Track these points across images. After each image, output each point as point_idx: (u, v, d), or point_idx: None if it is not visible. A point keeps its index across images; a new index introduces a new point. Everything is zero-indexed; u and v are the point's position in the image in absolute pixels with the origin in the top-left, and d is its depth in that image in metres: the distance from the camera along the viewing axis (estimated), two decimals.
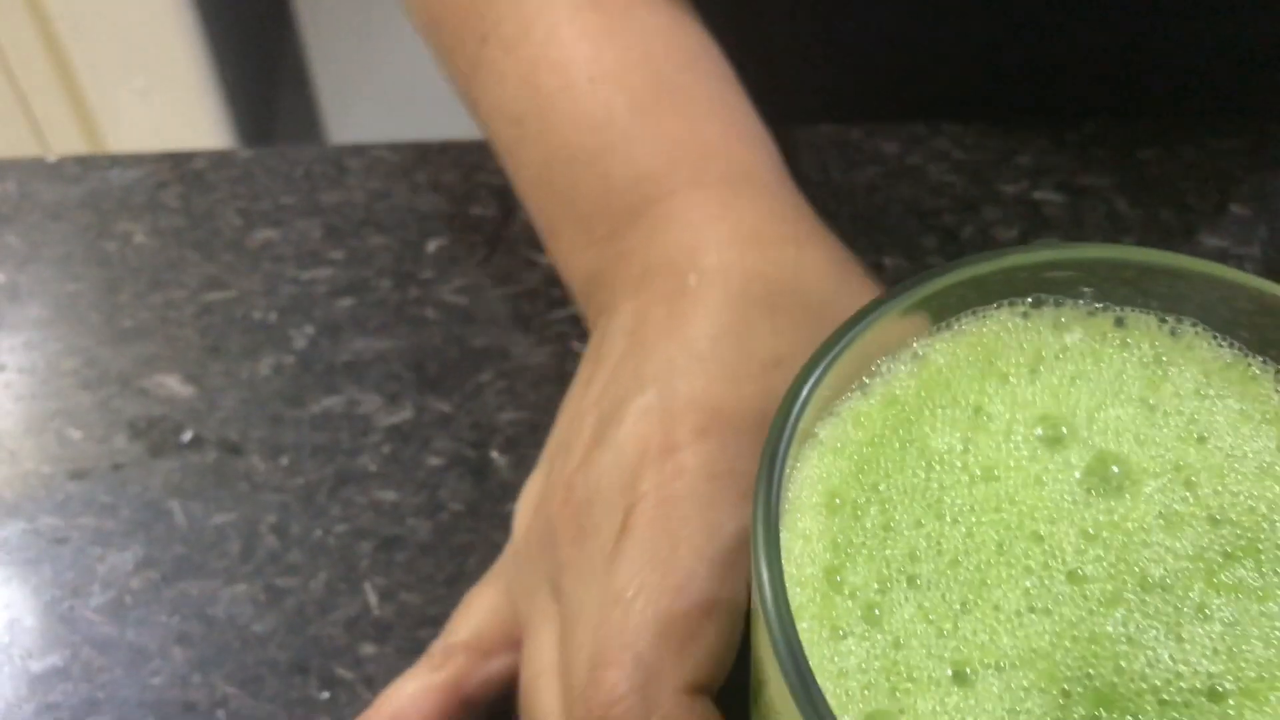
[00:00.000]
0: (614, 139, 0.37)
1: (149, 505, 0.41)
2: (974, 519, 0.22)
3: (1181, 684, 0.21)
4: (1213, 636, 0.21)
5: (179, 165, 0.50)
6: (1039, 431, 0.23)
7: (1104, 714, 0.20)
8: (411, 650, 0.38)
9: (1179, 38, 0.53)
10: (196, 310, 0.46)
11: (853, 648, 0.21)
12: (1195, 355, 0.24)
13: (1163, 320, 0.24)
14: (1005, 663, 0.21)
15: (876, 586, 0.22)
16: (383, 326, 0.45)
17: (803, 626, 0.21)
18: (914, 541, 0.22)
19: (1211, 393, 0.23)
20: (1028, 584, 0.22)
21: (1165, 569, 0.22)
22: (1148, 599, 0.22)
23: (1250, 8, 0.52)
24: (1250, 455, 0.23)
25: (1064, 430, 0.23)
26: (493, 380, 0.44)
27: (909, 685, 0.21)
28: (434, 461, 0.42)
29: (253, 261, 0.47)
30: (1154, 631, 0.21)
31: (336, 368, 0.44)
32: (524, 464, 0.42)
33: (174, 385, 0.44)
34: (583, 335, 0.45)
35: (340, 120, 1.71)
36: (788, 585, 0.21)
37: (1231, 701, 0.20)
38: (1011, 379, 0.24)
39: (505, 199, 0.49)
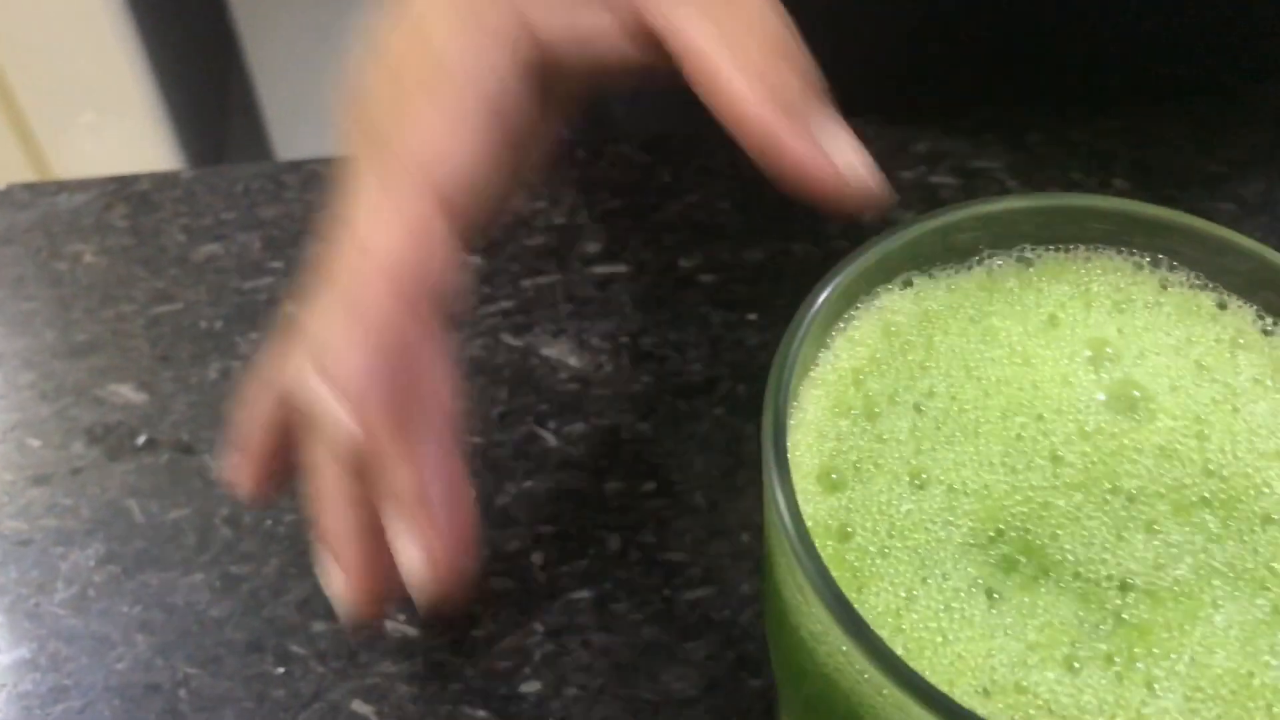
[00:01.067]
0: None
1: (108, 505, 0.44)
2: (995, 388, 0.26)
3: (1100, 569, 0.23)
4: (1150, 547, 0.24)
5: (125, 187, 0.53)
6: (1088, 353, 0.27)
7: (1022, 560, 0.23)
8: (360, 626, 0.41)
9: (1065, 28, 0.57)
10: (146, 322, 0.49)
11: (844, 426, 0.25)
12: (1274, 353, 0.27)
13: (1260, 317, 0.27)
14: (959, 487, 0.24)
15: (888, 398, 0.25)
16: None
17: (815, 393, 0.25)
18: (937, 384, 0.26)
19: (1269, 384, 0.26)
20: (1012, 448, 0.25)
21: (1140, 485, 0.25)
22: (1110, 499, 0.24)
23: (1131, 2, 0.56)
24: (1271, 438, 0.25)
25: (1111, 356, 0.26)
26: None
27: (872, 469, 0.24)
28: None
29: (198, 274, 0.50)
30: (1100, 523, 0.24)
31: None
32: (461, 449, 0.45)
33: (127, 393, 0.47)
34: (513, 328, 0.48)
35: (288, 145, 1.73)
36: (821, 368, 0.26)
37: (1132, 596, 0.23)
38: (1095, 308, 0.27)
39: None
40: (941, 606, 0.23)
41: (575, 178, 0.53)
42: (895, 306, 0.27)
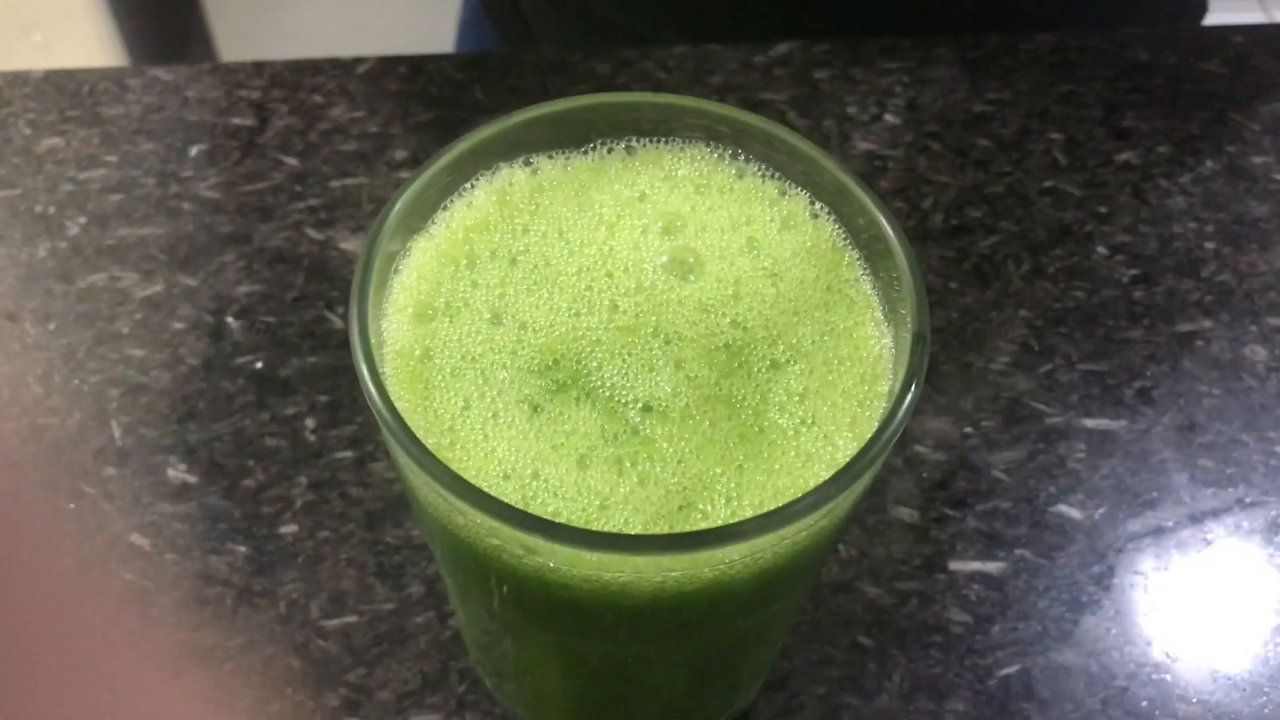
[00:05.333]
0: None
1: None
2: (580, 249, 0.31)
3: (629, 394, 0.29)
4: (673, 379, 0.29)
5: None
6: (660, 225, 0.32)
7: (569, 384, 0.29)
8: (146, 472, 0.47)
9: None
10: None
11: (447, 273, 0.30)
12: (816, 234, 0.32)
13: (811, 203, 0.32)
14: (530, 326, 0.30)
15: (490, 253, 0.31)
16: (145, 217, 0.53)
17: (424, 245, 0.31)
18: (533, 243, 0.31)
19: (805, 259, 0.31)
20: (580, 297, 0.30)
21: (677, 331, 0.30)
22: (651, 341, 0.30)
23: None
24: (799, 305, 0.30)
25: (679, 228, 0.32)
26: (235, 260, 0.52)
27: (461, 306, 0.30)
28: (178, 325, 0.50)
29: (38, 164, 0.55)
30: (638, 359, 0.29)
31: (103, 250, 0.52)
32: (255, 327, 0.50)
33: None
34: (316, 223, 0.54)
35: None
36: (437, 225, 0.31)
37: (650, 416, 0.28)
38: (678, 189, 0.32)
39: (262, 111, 0.57)
40: (491, 414, 0.28)
41: (394, 91, 0.58)
42: (514, 179, 0.32)
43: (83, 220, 0.53)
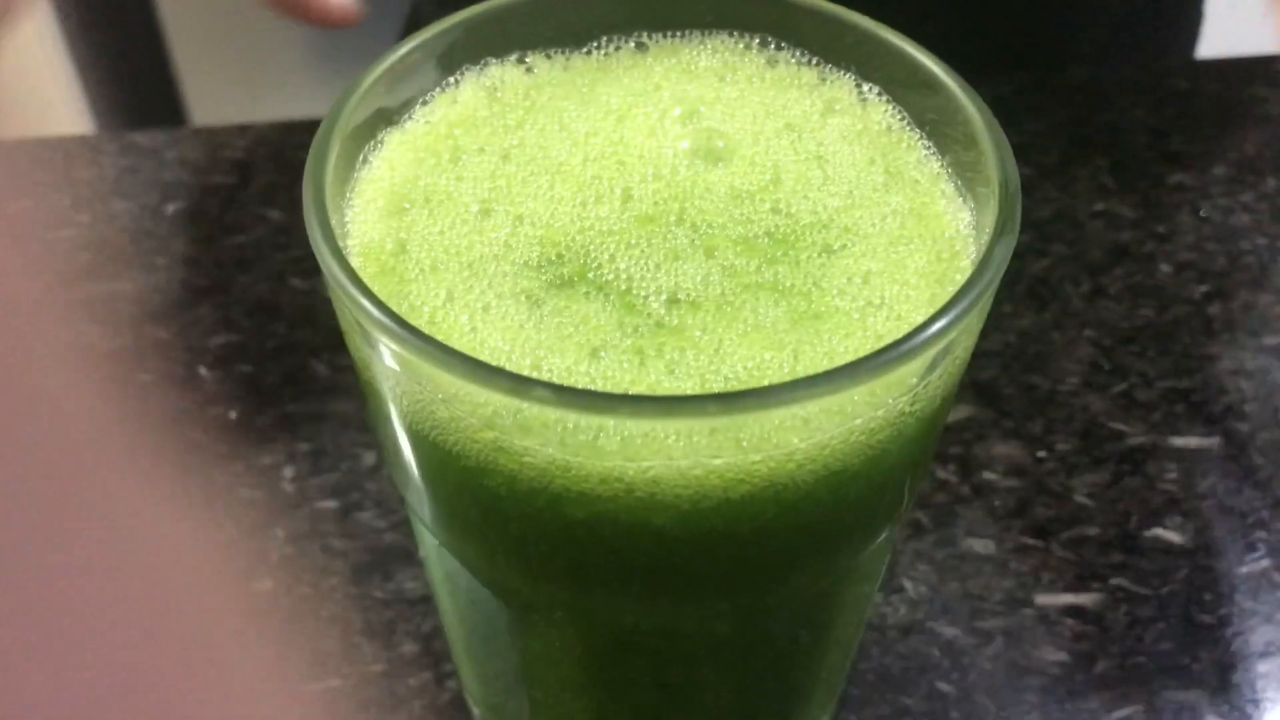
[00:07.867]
0: None
1: None
2: (584, 139, 0.26)
3: (650, 285, 0.23)
4: (704, 268, 0.24)
5: None
6: (679, 110, 0.27)
7: (576, 279, 0.23)
8: None
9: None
10: None
11: (426, 166, 0.25)
12: (866, 117, 0.27)
13: (858, 85, 0.27)
14: (527, 218, 0.24)
15: (477, 149, 0.26)
16: (116, 273, 0.49)
17: (400, 138, 0.26)
18: (529, 137, 0.26)
19: (855, 141, 0.26)
20: (586, 187, 0.25)
21: (707, 220, 0.24)
22: (675, 230, 0.24)
23: None
24: (854, 189, 0.25)
25: (702, 115, 0.27)
26: (211, 311, 0.47)
27: (444, 199, 0.25)
28: (145, 378, 0.45)
29: (4, 227, 0.51)
30: (660, 249, 0.24)
31: (69, 306, 0.47)
32: (230, 377, 0.45)
33: None
34: (301, 272, 0.49)
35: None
36: (415, 121, 0.26)
37: (677, 308, 0.23)
38: (699, 80, 0.27)
39: (245, 170, 0.53)
40: (481, 307, 0.23)
41: None
42: (505, 76, 0.27)
43: (47, 277, 0.49)
